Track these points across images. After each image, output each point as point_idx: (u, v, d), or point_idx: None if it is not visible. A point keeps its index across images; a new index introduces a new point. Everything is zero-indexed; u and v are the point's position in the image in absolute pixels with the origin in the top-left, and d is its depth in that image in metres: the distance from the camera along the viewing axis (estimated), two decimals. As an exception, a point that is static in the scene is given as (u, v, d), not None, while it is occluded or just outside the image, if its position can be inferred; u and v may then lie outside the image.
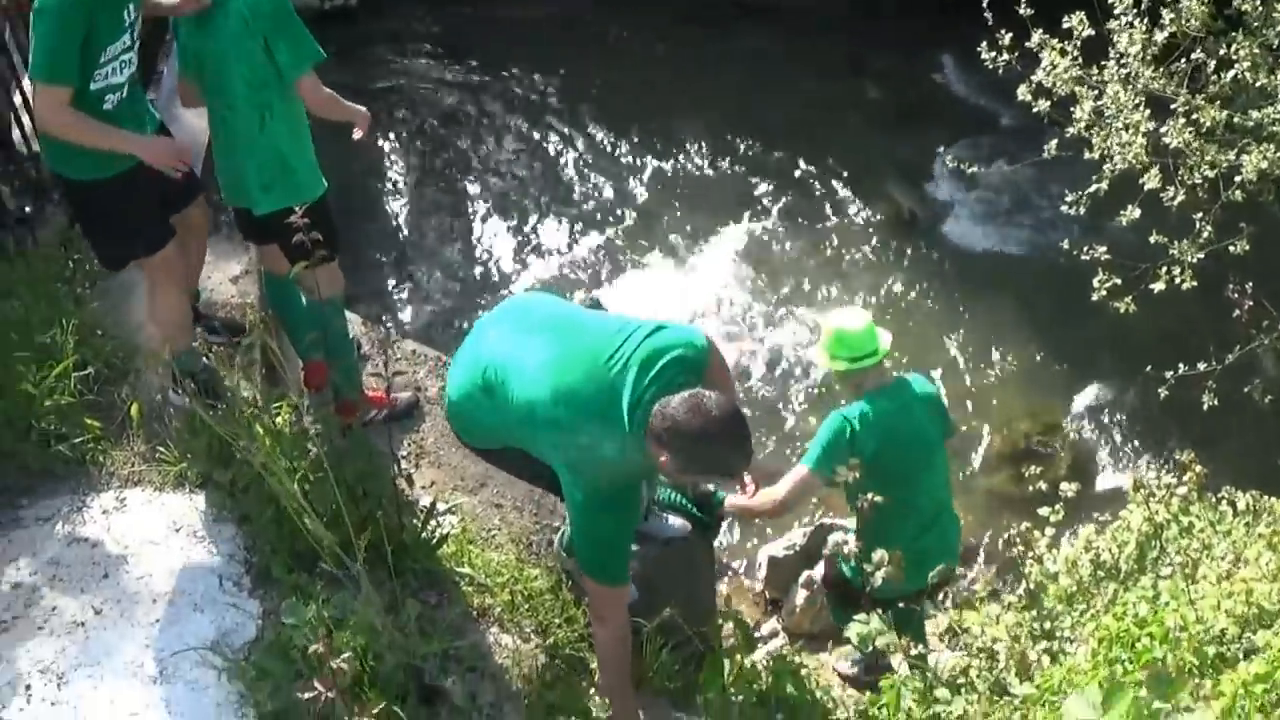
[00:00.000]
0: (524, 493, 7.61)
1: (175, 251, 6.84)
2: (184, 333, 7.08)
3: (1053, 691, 4.66)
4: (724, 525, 7.91)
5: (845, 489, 6.37)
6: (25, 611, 5.77)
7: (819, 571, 8.58)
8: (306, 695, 3.95)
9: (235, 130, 6.76)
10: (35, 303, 7.47)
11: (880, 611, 5.09)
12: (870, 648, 5.04)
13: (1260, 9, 8.66)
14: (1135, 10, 8.94)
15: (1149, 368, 9.35)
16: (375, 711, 4.22)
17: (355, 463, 6.11)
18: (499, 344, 5.65)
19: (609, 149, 15.59)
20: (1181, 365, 9.07)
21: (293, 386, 6.47)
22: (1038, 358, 12.27)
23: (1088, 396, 11.83)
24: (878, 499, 5.11)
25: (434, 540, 6.40)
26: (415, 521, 6.35)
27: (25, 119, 8.75)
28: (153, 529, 6.27)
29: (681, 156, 15.40)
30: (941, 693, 4.89)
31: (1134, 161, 8.82)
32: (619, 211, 14.43)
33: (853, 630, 5.03)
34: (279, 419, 6.12)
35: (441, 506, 6.73)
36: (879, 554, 4.87)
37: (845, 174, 14.87)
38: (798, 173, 14.92)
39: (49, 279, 7.81)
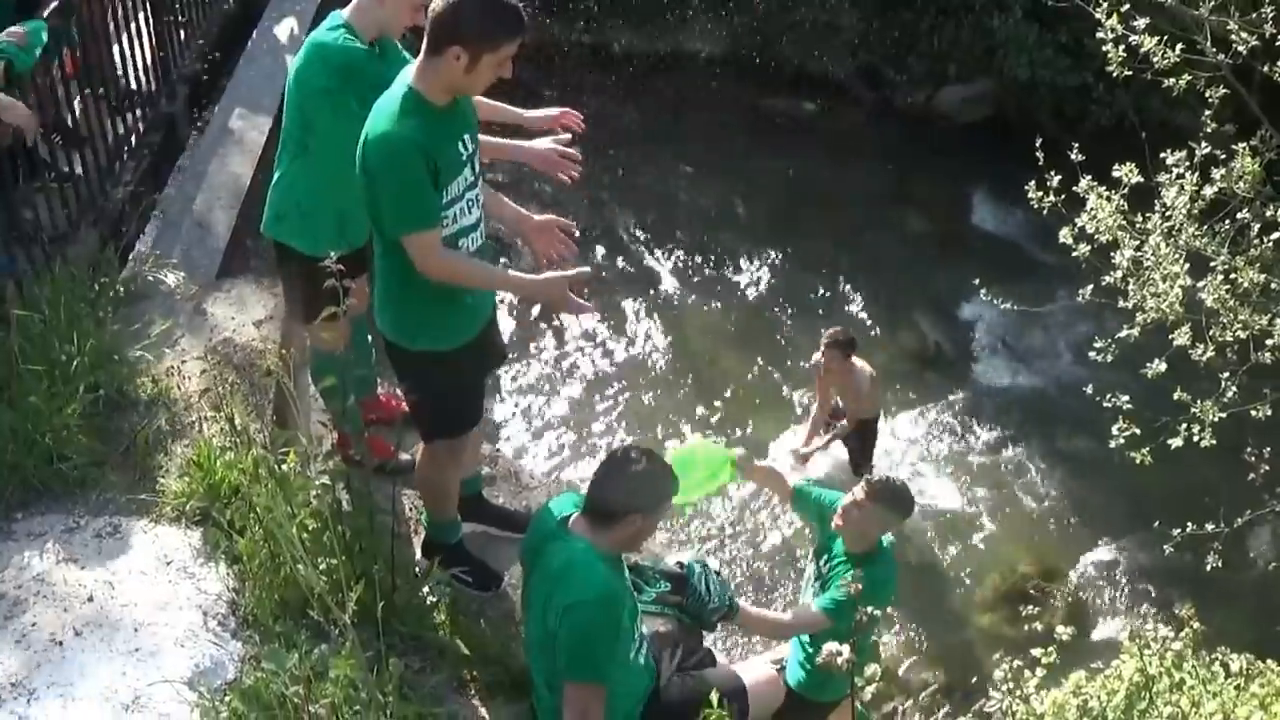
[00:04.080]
0: (520, 570, 7.58)
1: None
2: (450, 503, 7.03)
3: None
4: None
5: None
6: (4, 624, 5.73)
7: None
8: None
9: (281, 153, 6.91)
10: (56, 320, 7.42)
11: None
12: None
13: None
14: (1187, 164, 8.95)
15: (1158, 523, 9.28)
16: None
17: (356, 518, 6.06)
18: None
19: (647, 251, 15.73)
20: (1190, 524, 8.99)
21: (304, 431, 6.42)
22: (1048, 500, 12.20)
23: (1093, 545, 11.72)
24: (876, 612, 5.07)
25: (425, 605, 6.34)
26: (408, 585, 6.29)
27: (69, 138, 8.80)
28: (144, 559, 6.22)
29: (719, 266, 15.58)
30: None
31: (1167, 312, 8.81)
32: (649, 321, 14.53)
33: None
34: (285, 464, 6.07)
35: (437, 573, 6.66)
36: (872, 668, 4.82)
37: (878, 300, 14.94)
38: (831, 294, 15.00)
39: (74, 299, 7.76)
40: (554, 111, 6.92)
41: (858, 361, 11.35)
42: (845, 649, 4.76)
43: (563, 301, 5.97)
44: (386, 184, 5.73)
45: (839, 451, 11.84)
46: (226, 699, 5.41)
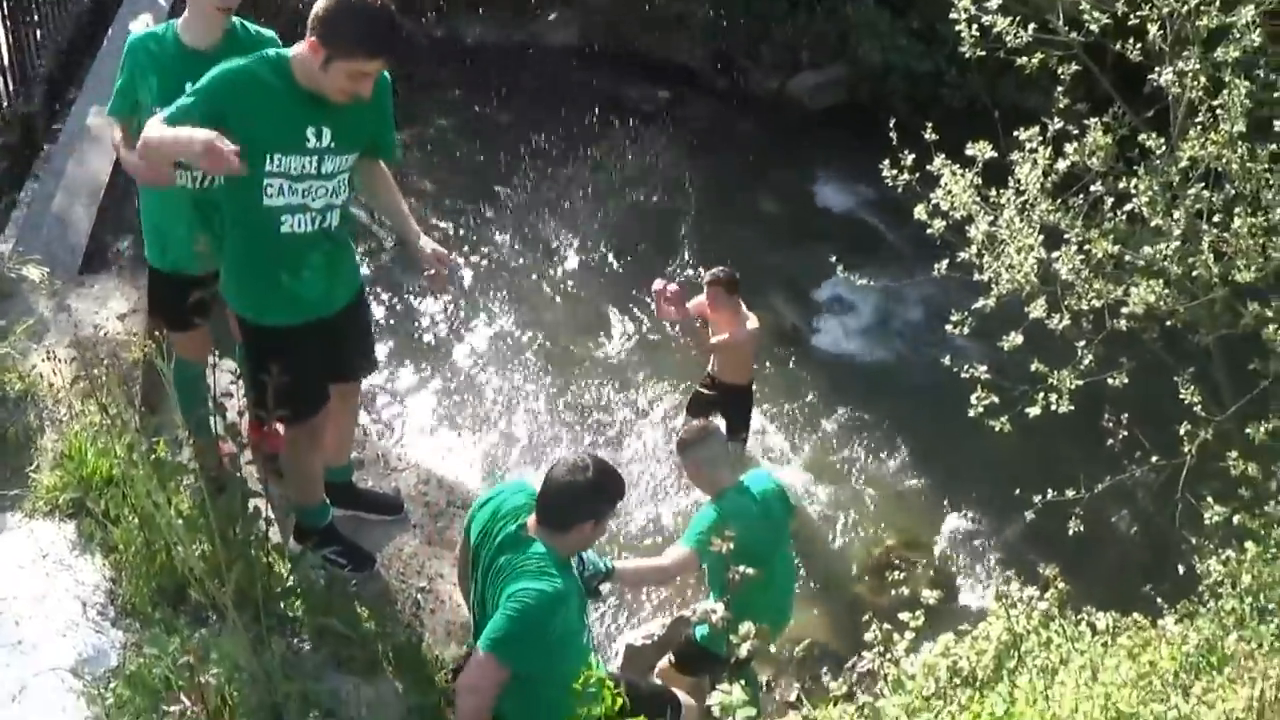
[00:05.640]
0: (393, 552, 7.65)
1: (324, 419, 6.79)
2: (316, 488, 7.08)
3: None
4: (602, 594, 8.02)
5: (709, 568, 7.35)
6: (-119, 622, 5.70)
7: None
8: (174, 708, 3.92)
9: None
10: (-73, 317, 7.39)
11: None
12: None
13: (1164, 148, 8.84)
14: (1041, 139, 9.11)
15: (1019, 490, 9.40)
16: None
17: (230, 503, 6.07)
18: None
19: (503, 239, 15.91)
20: (1051, 491, 9.11)
21: (174, 417, 6.42)
22: (910, 473, 12.35)
23: (956, 514, 11.89)
24: (749, 571, 5.16)
25: (302, 587, 6.38)
26: (284, 567, 6.33)
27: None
28: (19, 553, 6.19)
29: (572, 253, 15.74)
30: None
31: (1022, 282, 8.94)
32: (508, 307, 14.65)
33: (715, 699, 5.05)
34: (157, 449, 6.10)
35: (311, 556, 6.72)
36: (746, 625, 4.92)
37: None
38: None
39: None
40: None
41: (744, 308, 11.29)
42: (720, 607, 4.88)
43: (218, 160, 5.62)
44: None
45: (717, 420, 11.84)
46: (111, 685, 5.43)
